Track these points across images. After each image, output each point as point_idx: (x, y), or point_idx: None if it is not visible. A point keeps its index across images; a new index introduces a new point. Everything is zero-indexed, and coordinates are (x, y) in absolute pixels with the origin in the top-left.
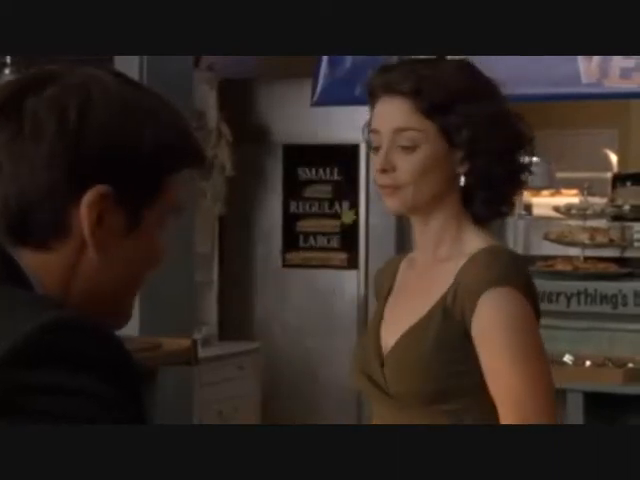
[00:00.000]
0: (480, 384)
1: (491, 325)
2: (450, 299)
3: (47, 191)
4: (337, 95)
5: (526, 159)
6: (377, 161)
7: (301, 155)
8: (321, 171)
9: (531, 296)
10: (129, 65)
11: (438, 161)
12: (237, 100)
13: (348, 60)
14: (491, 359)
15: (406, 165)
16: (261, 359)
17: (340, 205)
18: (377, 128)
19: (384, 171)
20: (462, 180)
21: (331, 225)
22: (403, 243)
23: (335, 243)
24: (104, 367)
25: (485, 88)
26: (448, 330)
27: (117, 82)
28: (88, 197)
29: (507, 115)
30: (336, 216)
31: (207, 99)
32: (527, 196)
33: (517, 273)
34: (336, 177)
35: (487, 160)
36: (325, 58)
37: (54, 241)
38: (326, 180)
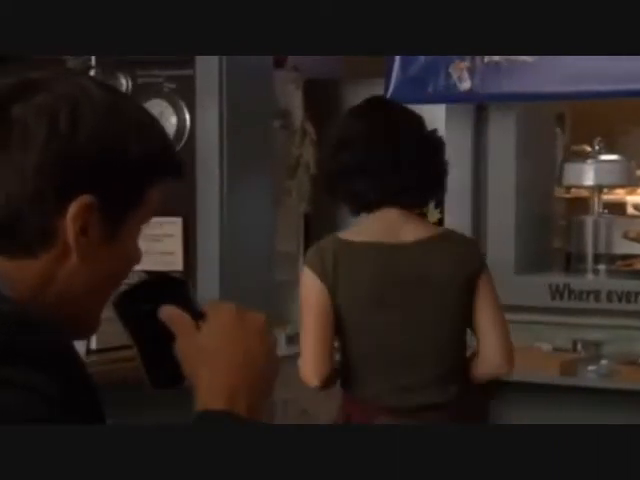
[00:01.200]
0: None
1: None
2: None
3: (34, 199)
4: (409, 93)
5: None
6: None
7: None
8: None
9: (313, 266)
10: (209, 65)
11: None
12: (322, 99)
13: (420, 58)
14: None
15: None
16: None
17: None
18: None
19: None
20: None
21: None
22: (479, 241)
23: None
24: (36, 359)
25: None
26: None
27: (102, 91)
28: (73, 208)
29: None
30: (422, 214)
31: (292, 99)
32: (621, 194)
33: (310, 253)
34: None
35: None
36: (398, 56)
37: (38, 249)
38: None
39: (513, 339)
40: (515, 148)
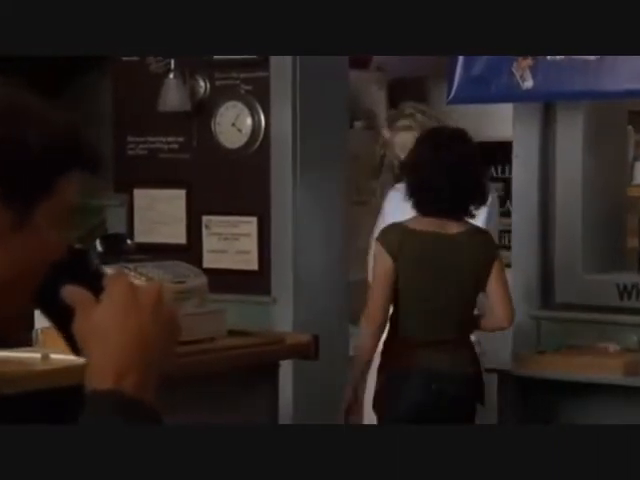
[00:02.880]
0: None
1: None
2: None
3: None
4: (472, 92)
5: None
6: None
7: None
8: (493, 169)
9: (385, 245)
10: (283, 66)
11: None
12: (407, 99)
13: (483, 57)
14: None
15: None
16: None
17: (512, 203)
18: None
19: None
20: None
21: (503, 223)
22: (547, 240)
23: (507, 241)
24: None
25: None
26: None
27: (2, 86)
28: None
29: None
30: (508, 214)
31: (376, 99)
32: None
33: (380, 233)
34: (508, 175)
35: None
36: (460, 56)
37: None
38: (498, 178)
39: (581, 338)
40: (582, 146)
